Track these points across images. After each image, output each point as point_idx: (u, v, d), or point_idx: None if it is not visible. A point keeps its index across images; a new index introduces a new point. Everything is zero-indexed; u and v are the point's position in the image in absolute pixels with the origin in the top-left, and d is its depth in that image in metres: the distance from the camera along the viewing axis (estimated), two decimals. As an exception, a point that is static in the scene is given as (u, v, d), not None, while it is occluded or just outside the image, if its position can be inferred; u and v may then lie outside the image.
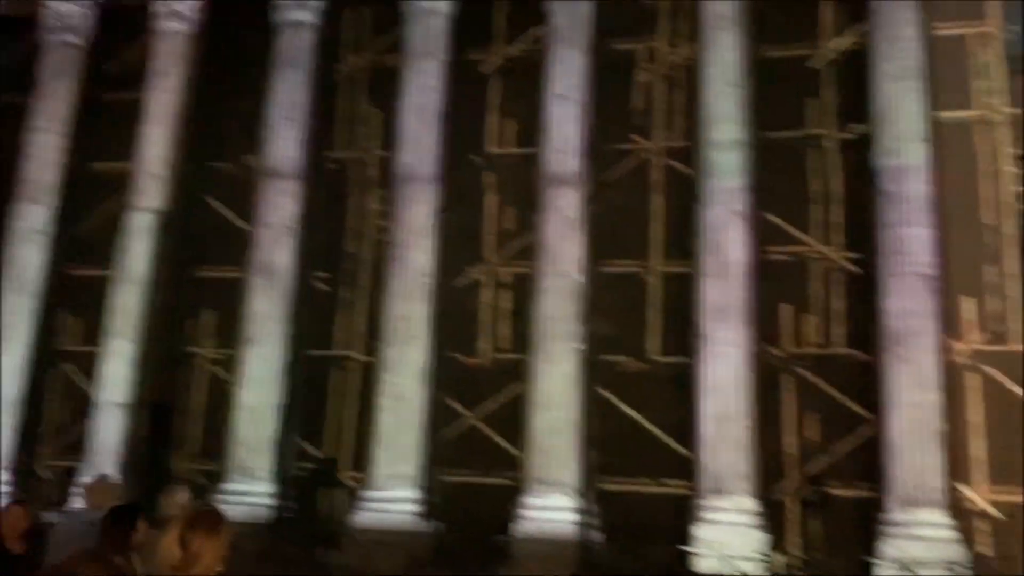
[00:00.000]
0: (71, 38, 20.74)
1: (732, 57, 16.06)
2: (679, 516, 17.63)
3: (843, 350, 17.80)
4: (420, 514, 16.32)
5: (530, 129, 21.84)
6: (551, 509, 15.26)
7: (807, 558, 15.69)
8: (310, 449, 19.90)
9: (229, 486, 17.10)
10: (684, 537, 16.39)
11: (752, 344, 15.37)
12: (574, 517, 15.37)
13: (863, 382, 17.81)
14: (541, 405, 15.68)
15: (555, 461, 15.30)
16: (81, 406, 21.91)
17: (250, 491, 16.75)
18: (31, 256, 19.29)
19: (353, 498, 17.08)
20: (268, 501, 17.06)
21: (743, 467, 14.66)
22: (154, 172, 18.59)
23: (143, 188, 18.72)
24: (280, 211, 17.65)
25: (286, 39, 18.91)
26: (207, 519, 2.28)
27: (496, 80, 21.61)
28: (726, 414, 14.77)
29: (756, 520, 14.72)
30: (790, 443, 17.61)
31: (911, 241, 14.65)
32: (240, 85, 22.40)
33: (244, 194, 22.70)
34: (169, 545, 2.22)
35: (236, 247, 22.37)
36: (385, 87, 23.20)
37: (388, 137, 22.27)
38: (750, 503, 14.66)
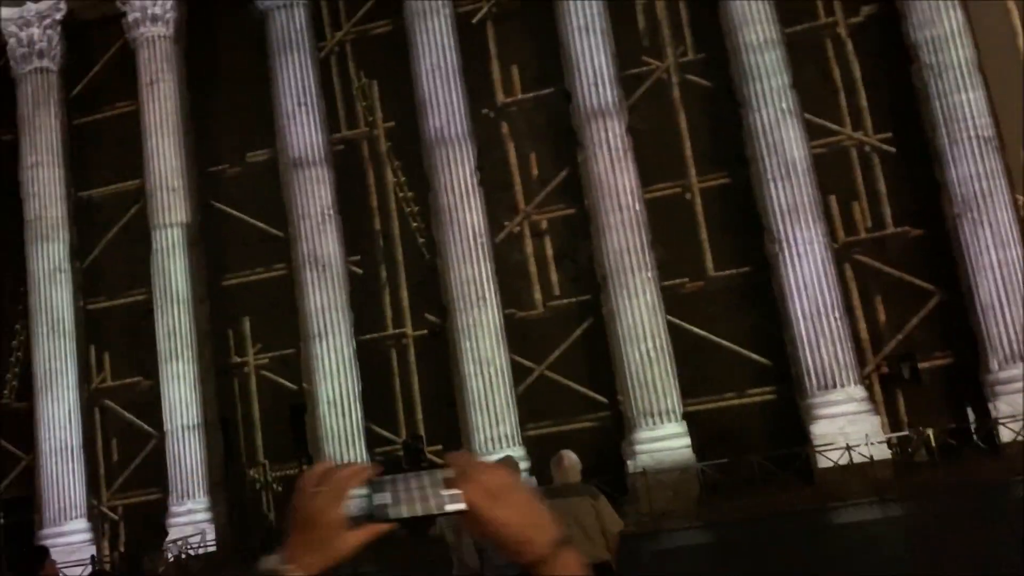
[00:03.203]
0: (44, 63, 19.57)
1: (751, -42, 15.88)
2: (772, 422, 17.94)
3: (895, 229, 18.10)
4: (529, 471, 16.24)
5: (533, 72, 21.55)
6: (664, 439, 15.32)
7: (913, 433, 16.03)
8: (385, 433, 19.68)
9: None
10: (786, 440, 16.69)
11: (826, 238, 15.48)
12: (686, 442, 15.47)
13: (921, 257, 18.23)
14: (629, 339, 15.62)
15: (657, 391, 15.31)
16: (130, 440, 21.34)
17: (351, 484, 16.47)
18: (59, 295, 18.44)
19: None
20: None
21: (844, 357, 14.87)
22: (171, 185, 17.79)
23: (163, 204, 17.93)
24: (316, 200, 17.09)
25: (279, 21, 18.11)
26: None
27: (489, 28, 21.16)
28: (818, 311, 14.92)
29: (868, 406, 15.00)
30: (863, 328, 17.94)
31: (964, 107, 14.81)
32: (226, 80, 21.54)
33: (249, 193, 22.08)
34: None
35: (255, 248, 21.81)
36: (373, 57, 22.62)
37: (391, 107, 21.79)
38: (860, 391, 14.91)
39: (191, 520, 16.66)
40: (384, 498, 0.98)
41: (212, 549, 16.03)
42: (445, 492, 0.98)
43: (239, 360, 20.60)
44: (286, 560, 0.95)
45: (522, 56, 20.83)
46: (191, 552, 15.68)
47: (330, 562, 0.95)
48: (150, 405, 20.37)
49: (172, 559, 15.14)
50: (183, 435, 17.14)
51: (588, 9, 16.33)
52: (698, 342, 18.53)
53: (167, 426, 17.53)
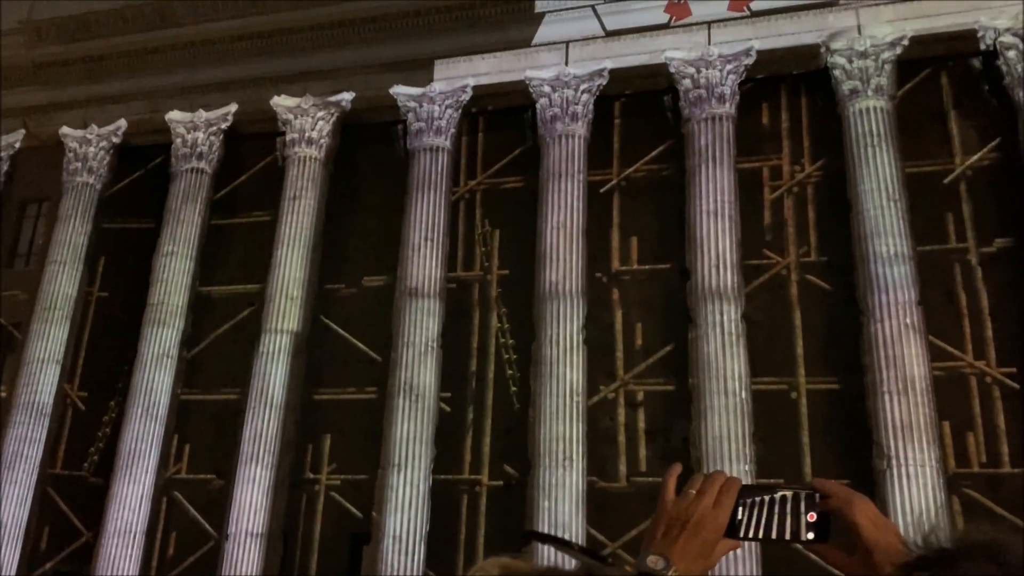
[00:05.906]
0: (201, 165, 21.06)
1: (888, 172, 16.10)
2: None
3: (1012, 470, 17.06)
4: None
5: (651, 246, 21.96)
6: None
7: None
8: (440, 581, 18.97)
9: (378, 623, 16.13)
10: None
11: (939, 463, 14.70)
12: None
13: (1038, 503, 17.03)
14: (716, 531, 14.86)
15: (738, 592, 14.39)
16: (189, 536, 21.17)
17: (401, 629, 15.78)
18: (160, 380, 18.95)
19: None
20: (419, 640, 16.07)
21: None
22: (291, 294, 18.44)
23: (279, 310, 18.55)
24: (423, 330, 17.39)
25: (423, 162, 19.15)
26: None
27: (615, 199, 21.83)
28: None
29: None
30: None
31: (1103, 354, 14.19)
32: (361, 206, 22.69)
33: (357, 314, 22.69)
34: None
35: (351, 367, 22.16)
36: (499, 207, 23.53)
37: (507, 255, 22.42)
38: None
39: (233, 632, 16.15)
40: (740, 514, 0.96)
41: (247, 668, 15.40)
42: (810, 516, 0.96)
43: (312, 476, 20.49)
44: (671, 563, 0.89)
45: (643, 229, 21.28)
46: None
47: (707, 570, 0.92)
48: (215, 505, 20.33)
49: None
50: (245, 541, 16.90)
51: (720, 196, 16.71)
52: (790, 551, 17.53)
53: (231, 529, 17.35)
